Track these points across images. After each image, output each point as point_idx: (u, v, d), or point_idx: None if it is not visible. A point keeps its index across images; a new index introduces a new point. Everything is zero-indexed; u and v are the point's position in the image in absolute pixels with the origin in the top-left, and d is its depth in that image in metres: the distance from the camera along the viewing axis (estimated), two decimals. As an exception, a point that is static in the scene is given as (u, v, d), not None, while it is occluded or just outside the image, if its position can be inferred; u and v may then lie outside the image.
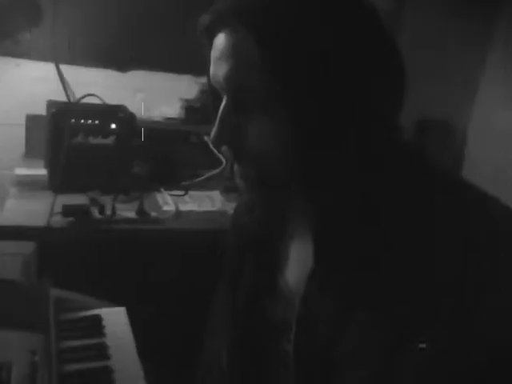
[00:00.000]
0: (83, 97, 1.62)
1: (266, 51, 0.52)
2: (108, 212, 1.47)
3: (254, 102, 0.55)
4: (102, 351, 0.94)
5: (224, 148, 0.59)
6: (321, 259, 0.60)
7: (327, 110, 0.53)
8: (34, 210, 1.46)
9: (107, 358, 0.92)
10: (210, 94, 0.61)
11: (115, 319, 1.05)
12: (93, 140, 1.62)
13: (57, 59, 1.81)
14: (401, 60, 0.57)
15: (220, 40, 0.56)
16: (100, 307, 1.08)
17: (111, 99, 1.71)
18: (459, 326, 0.50)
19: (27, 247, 1.48)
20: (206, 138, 1.92)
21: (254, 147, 0.56)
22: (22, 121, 1.80)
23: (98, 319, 1.04)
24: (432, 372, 0.51)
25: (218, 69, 0.56)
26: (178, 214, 1.61)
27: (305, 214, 0.63)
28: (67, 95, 1.83)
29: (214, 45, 0.57)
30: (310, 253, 0.62)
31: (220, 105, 0.58)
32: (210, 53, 0.58)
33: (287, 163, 0.56)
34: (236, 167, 0.60)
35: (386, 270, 0.55)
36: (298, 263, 0.67)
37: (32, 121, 1.79)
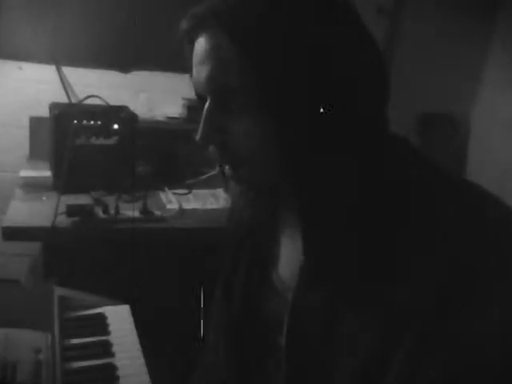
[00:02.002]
0: (86, 98, 1.63)
1: (243, 52, 0.53)
2: (112, 211, 1.49)
3: (236, 103, 0.56)
4: (106, 349, 0.95)
5: (211, 148, 0.60)
6: (310, 254, 0.61)
7: (309, 108, 0.54)
8: (38, 211, 1.47)
9: (111, 355, 0.94)
10: (197, 98, 0.62)
11: (119, 317, 1.06)
12: (96, 141, 1.63)
13: (58, 61, 1.83)
14: (379, 53, 0.58)
15: (200, 44, 0.57)
16: (104, 305, 1.09)
17: (114, 100, 1.72)
18: (448, 324, 0.50)
19: (33, 247, 1.50)
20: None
21: (239, 147, 0.57)
22: (26, 123, 1.81)
23: (102, 317, 1.05)
24: (420, 368, 0.51)
25: (199, 71, 0.57)
26: (182, 212, 1.62)
27: (293, 211, 0.64)
28: (68, 97, 1.85)
29: (194, 49, 0.58)
30: (300, 248, 0.63)
31: (205, 105, 0.59)
32: (191, 56, 0.59)
33: (273, 162, 0.57)
34: (228, 169, 0.61)
35: (375, 264, 0.55)
36: (290, 258, 0.68)
37: (36, 123, 1.81)
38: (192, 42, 0.58)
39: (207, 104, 0.58)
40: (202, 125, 0.58)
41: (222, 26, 0.54)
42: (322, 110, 0.54)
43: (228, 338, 0.75)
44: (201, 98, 0.60)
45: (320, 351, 0.59)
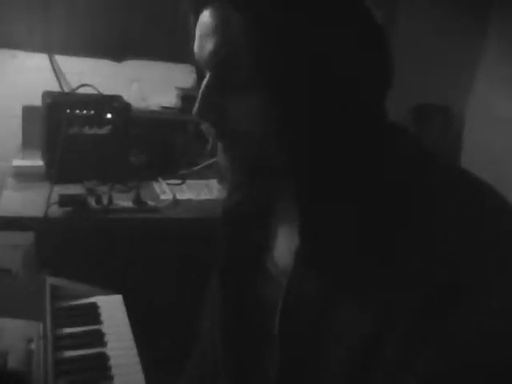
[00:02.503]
0: (79, 87, 1.62)
1: (254, 27, 0.52)
2: (105, 201, 1.48)
3: (240, 80, 0.55)
4: (98, 338, 0.95)
5: (206, 125, 0.59)
6: (306, 238, 0.60)
7: (315, 91, 0.53)
8: (31, 201, 1.47)
9: (103, 344, 0.94)
10: (197, 72, 0.61)
11: (112, 307, 1.06)
12: (89, 130, 1.62)
13: (51, 50, 1.81)
14: (386, 43, 0.57)
15: (206, 16, 0.56)
16: (97, 295, 1.09)
17: (107, 89, 1.71)
18: (447, 321, 0.49)
19: (26, 238, 1.49)
20: (203, 126, 1.92)
21: (238, 126, 0.56)
22: (19, 112, 1.80)
23: (94, 307, 1.05)
24: (417, 357, 0.51)
25: (203, 45, 0.56)
26: (176, 202, 1.62)
27: (289, 195, 0.63)
28: (61, 85, 1.83)
29: (199, 21, 0.57)
30: (296, 232, 0.62)
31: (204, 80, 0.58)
32: (195, 29, 0.58)
33: (270, 143, 0.56)
34: (219, 145, 0.60)
35: (373, 253, 0.55)
36: (285, 243, 0.67)
37: (28, 112, 1.80)
38: (197, 15, 0.57)
39: (207, 78, 0.57)
40: (199, 99, 0.57)
41: (234, 3, 0.53)
42: (324, 97, 0.53)
43: (223, 326, 0.74)
44: (200, 72, 0.59)
45: (314, 338, 0.59)
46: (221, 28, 0.54)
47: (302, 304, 0.60)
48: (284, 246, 0.67)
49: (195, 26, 0.58)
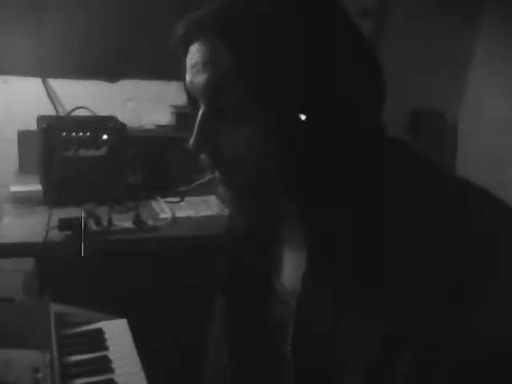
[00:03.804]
0: (73, 110, 1.62)
1: (241, 59, 0.53)
2: (105, 223, 1.48)
3: (233, 110, 0.55)
4: (105, 365, 0.94)
5: (203, 157, 0.59)
6: (314, 259, 0.60)
7: (308, 114, 0.53)
8: (30, 226, 1.46)
9: (111, 371, 0.93)
10: (189, 99, 0.62)
11: (117, 331, 1.05)
12: (85, 152, 1.62)
13: (43, 74, 1.81)
14: (375, 55, 0.58)
15: (195, 49, 0.56)
16: (101, 320, 1.08)
17: (101, 110, 1.72)
18: (453, 324, 0.50)
19: (27, 263, 1.48)
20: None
21: (234, 155, 0.56)
22: (14, 137, 1.80)
23: (99, 332, 1.04)
24: (429, 368, 0.51)
25: (194, 77, 0.57)
26: (175, 220, 1.61)
27: (293, 217, 0.63)
28: (56, 109, 1.83)
29: (189, 53, 0.57)
30: (302, 253, 0.62)
31: (198, 111, 0.58)
32: (185, 60, 0.58)
33: (270, 170, 0.56)
34: (218, 176, 0.60)
35: (378, 266, 0.55)
36: (292, 265, 0.67)
37: (24, 136, 1.79)
38: (187, 48, 0.58)
39: (201, 111, 0.57)
40: (195, 132, 0.57)
41: (218, 33, 0.53)
42: (320, 117, 0.54)
43: (231, 346, 0.74)
44: (193, 105, 0.60)
45: (327, 356, 0.59)
46: (209, 61, 0.55)
47: (312, 322, 0.61)
48: (289, 268, 0.68)
49: (185, 57, 0.58)
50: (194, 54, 0.56)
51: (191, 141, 0.58)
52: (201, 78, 0.55)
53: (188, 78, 0.58)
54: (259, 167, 0.56)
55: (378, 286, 0.55)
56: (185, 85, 0.60)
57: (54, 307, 1.06)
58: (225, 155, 0.57)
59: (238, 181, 0.58)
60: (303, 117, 0.53)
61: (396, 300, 0.53)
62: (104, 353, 0.97)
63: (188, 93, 0.60)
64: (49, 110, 1.81)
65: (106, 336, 1.03)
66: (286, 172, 0.56)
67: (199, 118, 0.57)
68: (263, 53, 0.52)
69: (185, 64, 0.59)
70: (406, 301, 0.52)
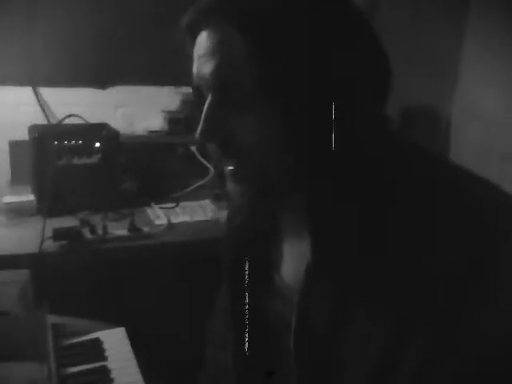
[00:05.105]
0: (64, 118, 1.61)
1: (253, 45, 0.52)
2: (100, 231, 1.46)
3: (242, 97, 0.55)
4: (104, 375, 0.93)
5: (211, 147, 0.59)
6: (318, 253, 0.60)
7: (318, 102, 0.53)
8: (25, 237, 1.44)
9: (110, 381, 0.92)
10: (194, 92, 0.61)
11: (115, 341, 1.04)
12: (78, 160, 1.60)
13: (34, 82, 1.80)
14: (383, 48, 0.58)
15: (203, 38, 0.56)
16: (99, 329, 1.07)
17: (93, 117, 1.70)
18: (461, 318, 0.49)
19: (22, 275, 1.46)
20: (192, 148, 1.91)
21: (243, 143, 0.56)
22: (5, 147, 1.78)
23: (97, 342, 1.03)
24: (433, 366, 0.50)
25: (202, 66, 0.56)
26: (171, 226, 1.60)
27: (298, 210, 0.62)
28: (47, 118, 1.82)
29: (197, 43, 0.57)
30: (305, 248, 0.62)
31: (204, 102, 0.57)
32: (192, 51, 0.58)
33: (278, 158, 0.56)
34: (227, 169, 0.59)
35: (386, 264, 0.54)
36: (293, 260, 0.67)
37: (15, 147, 1.78)
38: (194, 36, 0.57)
39: (209, 99, 0.57)
40: (203, 121, 0.57)
41: (228, 19, 0.53)
42: (328, 105, 0.53)
43: (234, 343, 0.73)
44: (199, 93, 0.59)
45: (330, 353, 0.58)
46: (221, 48, 0.54)
47: (315, 318, 0.60)
48: (290, 264, 0.67)
49: (192, 48, 0.58)
50: (203, 43, 0.56)
51: (199, 130, 0.57)
52: (210, 67, 0.55)
53: (195, 69, 0.58)
54: (265, 155, 0.56)
55: (385, 281, 0.54)
56: (191, 77, 0.60)
57: (50, 318, 1.05)
58: (233, 143, 0.56)
59: (245, 171, 0.58)
60: (313, 103, 0.53)
61: (402, 297, 0.52)
62: (103, 363, 0.96)
63: (193, 85, 0.60)
64: (39, 119, 1.79)
65: (105, 346, 1.02)
66: (294, 161, 0.56)
67: (207, 106, 0.57)
68: (275, 36, 0.52)
69: (192, 54, 0.58)
70: (412, 298, 0.52)
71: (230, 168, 0.59)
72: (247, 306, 0.71)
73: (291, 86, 0.53)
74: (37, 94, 1.81)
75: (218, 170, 0.64)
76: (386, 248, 0.54)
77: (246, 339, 0.71)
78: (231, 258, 0.74)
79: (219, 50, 0.54)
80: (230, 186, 0.60)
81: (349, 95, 0.54)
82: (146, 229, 1.54)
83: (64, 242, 1.41)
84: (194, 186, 1.83)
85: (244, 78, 0.54)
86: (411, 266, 0.52)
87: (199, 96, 0.59)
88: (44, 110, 1.82)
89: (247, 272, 0.71)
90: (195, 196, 1.81)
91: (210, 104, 0.57)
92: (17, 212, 1.58)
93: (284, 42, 0.52)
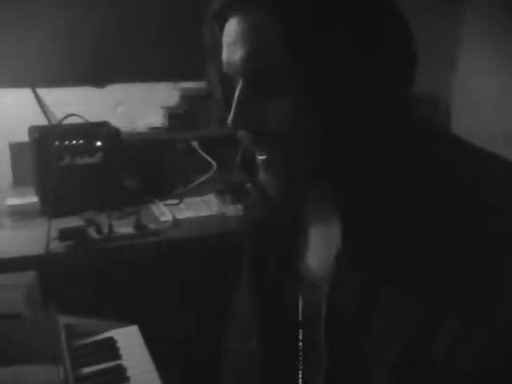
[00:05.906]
0: (64, 118, 1.59)
1: (286, 30, 0.51)
2: (105, 230, 1.45)
3: (273, 83, 0.54)
4: (120, 374, 0.92)
5: (242, 134, 0.58)
6: (348, 240, 0.59)
7: (349, 88, 0.53)
8: (30, 239, 1.44)
9: (126, 380, 0.91)
10: (221, 81, 0.61)
11: (129, 339, 1.03)
12: (80, 160, 1.59)
13: (32, 83, 1.79)
14: (411, 34, 0.57)
15: (233, 24, 0.55)
16: (112, 328, 1.07)
17: (93, 116, 1.69)
18: (491, 298, 0.49)
19: (28, 277, 1.45)
20: (193, 143, 1.91)
21: (275, 130, 0.55)
22: (6, 149, 1.77)
23: (111, 341, 1.02)
24: (464, 348, 0.50)
25: (233, 53, 0.56)
26: (176, 222, 1.60)
27: (329, 197, 0.62)
28: (48, 118, 1.80)
29: (226, 30, 0.56)
30: (333, 236, 0.61)
31: (233, 91, 0.57)
32: (220, 39, 0.57)
33: (310, 147, 0.55)
34: (259, 158, 0.59)
35: (417, 251, 0.54)
36: (318, 248, 0.66)
37: (16, 149, 1.76)
38: (223, 22, 0.57)
39: (240, 86, 0.56)
40: (234, 109, 0.56)
41: (261, 4, 0.52)
42: (359, 91, 0.53)
43: (260, 332, 0.73)
44: (229, 80, 0.58)
45: (360, 341, 0.58)
46: (252, 33, 0.54)
47: (344, 307, 0.60)
48: (316, 252, 0.67)
49: (221, 35, 0.57)
50: (233, 29, 0.55)
51: (230, 118, 0.56)
52: (242, 52, 0.54)
53: (225, 54, 0.57)
54: (297, 143, 0.55)
55: (415, 266, 0.54)
56: (217, 66, 0.59)
57: (62, 319, 1.04)
58: (265, 131, 0.56)
59: (280, 159, 0.57)
60: (344, 89, 0.53)
61: (433, 282, 0.52)
62: (118, 362, 0.96)
63: (227, 70, 0.59)
64: (39, 120, 1.78)
65: (119, 344, 1.01)
66: (325, 148, 0.55)
67: (238, 94, 0.56)
68: (308, 21, 0.51)
69: (220, 42, 0.58)
70: (444, 283, 0.51)
71: (262, 157, 0.58)
72: (273, 297, 0.71)
73: (323, 71, 0.52)
74: (36, 95, 1.79)
75: (243, 160, 0.63)
76: (416, 233, 0.54)
77: (272, 329, 0.71)
78: (254, 249, 0.73)
79: (253, 35, 0.53)
80: (262, 174, 0.59)
81: (378, 80, 0.54)
82: (151, 226, 1.53)
83: (70, 243, 1.40)
84: (197, 182, 1.82)
85: (276, 63, 0.53)
86: (445, 252, 0.52)
87: (230, 84, 0.58)
88: (44, 111, 1.80)
89: (272, 262, 0.71)
90: (199, 191, 1.80)
91: (242, 91, 0.56)
92: (21, 214, 1.57)
93: (317, 26, 0.51)
